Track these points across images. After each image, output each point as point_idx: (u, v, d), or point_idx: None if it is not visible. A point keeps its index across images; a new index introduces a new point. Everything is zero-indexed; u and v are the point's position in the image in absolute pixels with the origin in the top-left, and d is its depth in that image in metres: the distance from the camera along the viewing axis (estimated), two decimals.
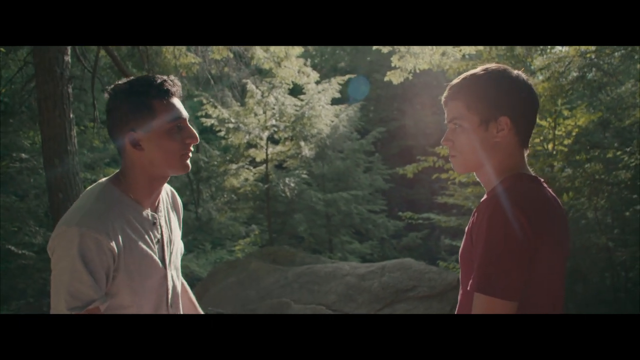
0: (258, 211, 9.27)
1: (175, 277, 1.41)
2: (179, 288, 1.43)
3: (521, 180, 1.22)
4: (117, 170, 1.33)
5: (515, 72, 1.28)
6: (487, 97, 1.23)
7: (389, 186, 12.38)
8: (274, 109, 8.12)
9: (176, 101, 1.29)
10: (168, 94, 1.27)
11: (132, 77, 1.30)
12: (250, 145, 8.53)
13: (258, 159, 8.60)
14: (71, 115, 4.63)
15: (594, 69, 5.03)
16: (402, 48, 4.45)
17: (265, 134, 8.16)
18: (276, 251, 6.97)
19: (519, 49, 4.85)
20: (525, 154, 1.28)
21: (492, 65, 1.29)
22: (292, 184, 8.48)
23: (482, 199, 1.29)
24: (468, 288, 1.13)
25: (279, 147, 8.71)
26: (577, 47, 4.87)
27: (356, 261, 8.98)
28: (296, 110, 8.37)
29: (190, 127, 1.32)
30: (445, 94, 1.32)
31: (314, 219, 9.15)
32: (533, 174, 1.27)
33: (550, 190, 1.27)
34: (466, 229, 1.27)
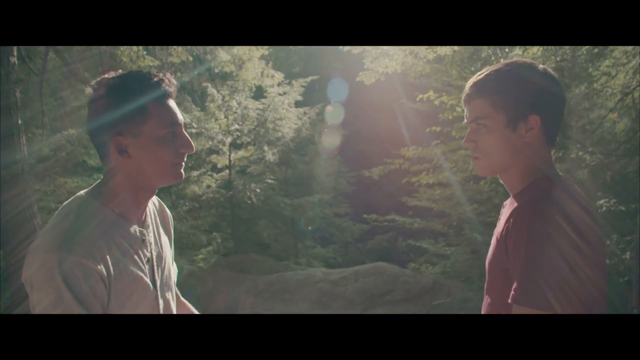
0: (220, 219, 9.00)
1: (170, 299, 1.27)
2: (174, 309, 1.29)
3: (554, 182, 1.14)
4: (98, 181, 1.17)
5: (542, 66, 1.20)
6: (515, 94, 1.15)
7: (352, 189, 12.42)
8: (236, 113, 7.89)
9: (172, 104, 1.15)
10: (165, 95, 1.13)
11: (121, 72, 1.14)
12: (212, 151, 8.25)
13: (220, 165, 8.34)
14: (19, 122, 4.28)
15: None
16: (374, 50, 4.41)
17: (228, 139, 7.92)
18: (243, 259, 6.75)
19: (485, 53, 4.94)
20: (552, 153, 1.22)
21: (518, 60, 1.21)
22: (258, 190, 8.28)
23: (513, 205, 1.19)
24: (509, 300, 1.04)
25: (242, 152, 8.49)
26: (534, 51, 5.02)
27: (321, 266, 8.89)
28: (259, 114, 8.19)
29: (186, 134, 1.17)
30: (466, 90, 1.23)
31: (279, 225, 8.98)
32: (561, 174, 1.20)
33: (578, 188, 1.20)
34: (496, 234, 1.18)
